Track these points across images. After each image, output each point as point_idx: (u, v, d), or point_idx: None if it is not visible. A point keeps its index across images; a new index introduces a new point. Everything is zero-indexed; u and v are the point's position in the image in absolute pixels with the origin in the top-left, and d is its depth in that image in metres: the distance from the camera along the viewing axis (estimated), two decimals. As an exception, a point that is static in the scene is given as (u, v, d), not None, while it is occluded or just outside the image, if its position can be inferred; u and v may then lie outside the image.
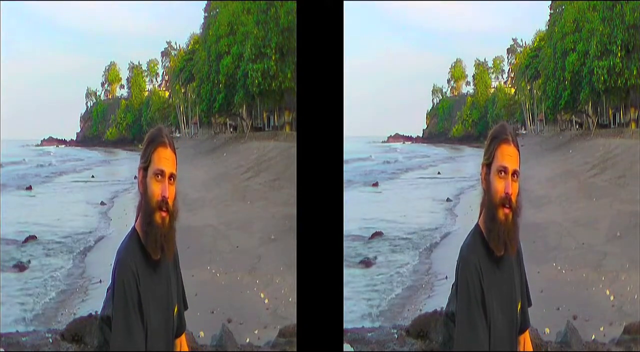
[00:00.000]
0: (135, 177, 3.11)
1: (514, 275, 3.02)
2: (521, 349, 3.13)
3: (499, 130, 3.02)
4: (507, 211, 2.94)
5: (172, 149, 3.00)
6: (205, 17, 15.21)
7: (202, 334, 7.70)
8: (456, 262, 2.97)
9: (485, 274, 2.90)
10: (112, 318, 2.88)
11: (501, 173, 2.95)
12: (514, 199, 2.96)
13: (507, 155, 2.96)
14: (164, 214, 2.96)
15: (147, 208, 2.96)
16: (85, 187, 15.16)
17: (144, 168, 2.98)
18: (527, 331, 3.16)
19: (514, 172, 2.96)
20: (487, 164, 2.99)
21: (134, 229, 3.01)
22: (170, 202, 2.97)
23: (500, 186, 2.95)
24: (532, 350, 3.19)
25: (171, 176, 2.98)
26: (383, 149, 16.27)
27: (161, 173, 2.96)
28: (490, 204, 2.96)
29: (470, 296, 2.86)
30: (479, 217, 3.03)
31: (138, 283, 2.90)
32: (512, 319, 2.98)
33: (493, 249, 2.94)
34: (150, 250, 2.95)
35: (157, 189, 2.96)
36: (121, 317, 2.86)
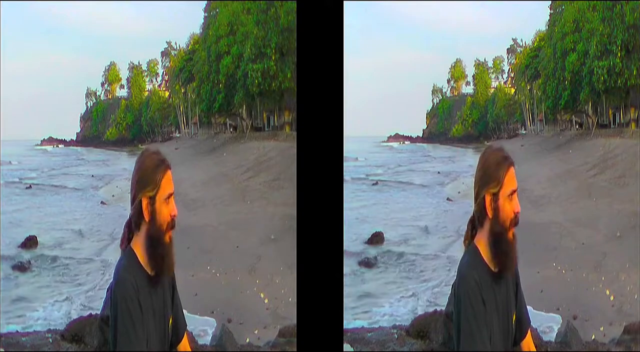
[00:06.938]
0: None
1: (509, 288, 3.04)
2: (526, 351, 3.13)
3: (502, 156, 2.97)
4: (513, 229, 2.96)
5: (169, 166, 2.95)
6: (205, 17, 15.20)
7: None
8: (454, 281, 2.97)
9: (485, 290, 2.92)
10: (116, 336, 2.84)
11: (510, 196, 2.94)
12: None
13: (513, 177, 2.95)
14: (170, 232, 2.93)
15: (155, 233, 2.89)
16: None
17: (152, 196, 2.89)
18: (529, 335, 3.17)
19: (515, 189, 2.97)
20: (495, 193, 2.94)
21: (130, 249, 2.94)
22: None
23: (510, 208, 2.94)
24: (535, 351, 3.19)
25: (172, 192, 2.95)
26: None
27: (170, 195, 2.91)
28: (499, 229, 2.94)
29: (475, 309, 2.87)
30: (471, 238, 3.01)
31: (139, 299, 2.87)
32: (507, 330, 3.01)
33: (499, 267, 2.95)
34: (153, 267, 2.91)
35: (166, 213, 2.90)
36: (124, 334, 2.82)
